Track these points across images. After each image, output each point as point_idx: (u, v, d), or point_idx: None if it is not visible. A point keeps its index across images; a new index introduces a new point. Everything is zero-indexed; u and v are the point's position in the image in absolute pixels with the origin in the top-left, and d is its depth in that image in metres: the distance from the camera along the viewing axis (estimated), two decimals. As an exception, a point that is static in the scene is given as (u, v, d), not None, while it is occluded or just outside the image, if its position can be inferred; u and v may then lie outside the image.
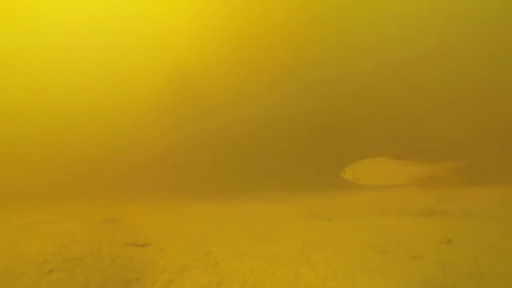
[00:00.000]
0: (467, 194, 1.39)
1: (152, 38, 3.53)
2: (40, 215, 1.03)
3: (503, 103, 2.69)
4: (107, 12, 3.52)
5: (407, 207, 1.16)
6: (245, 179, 2.16)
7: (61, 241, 0.72)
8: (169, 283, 0.61)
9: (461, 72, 2.94)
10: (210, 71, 3.48)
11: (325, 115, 3.14)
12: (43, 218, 0.99)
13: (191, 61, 3.43)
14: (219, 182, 2.44)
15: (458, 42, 3.06)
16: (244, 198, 1.68)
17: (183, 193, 1.88)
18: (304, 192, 1.86)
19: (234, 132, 3.33)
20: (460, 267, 0.61)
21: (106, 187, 2.01)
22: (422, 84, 3.01)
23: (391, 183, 1.49)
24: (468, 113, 2.74)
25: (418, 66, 3.11)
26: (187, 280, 0.62)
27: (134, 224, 1.06)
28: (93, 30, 3.54)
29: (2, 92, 3.09)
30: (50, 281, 0.58)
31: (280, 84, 3.46)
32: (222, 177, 2.60)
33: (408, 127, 2.88)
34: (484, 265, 0.61)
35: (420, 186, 1.52)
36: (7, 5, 3.44)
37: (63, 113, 3.15)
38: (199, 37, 3.48)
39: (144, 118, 3.31)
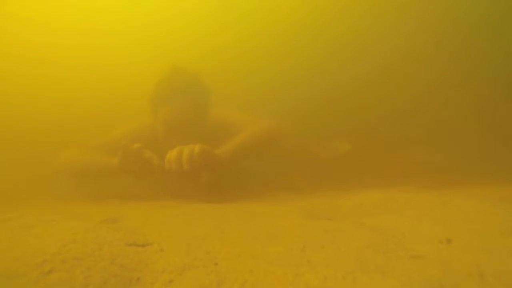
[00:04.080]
0: (467, 194, 1.39)
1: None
2: (40, 215, 1.03)
3: (505, 103, 2.70)
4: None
5: (407, 207, 1.16)
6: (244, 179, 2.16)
7: (61, 241, 0.72)
8: (169, 283, 0.61)
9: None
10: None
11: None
12: (43, 218, 0.99)
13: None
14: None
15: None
16: (244, 198, 1.68)
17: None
18: (304, 192, 1.86)
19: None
20: (460, 267, 0.61)
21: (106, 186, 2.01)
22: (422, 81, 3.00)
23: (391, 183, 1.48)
24: (467, 113, 2.74)
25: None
26: (187, 280, 0.61)
27: (134, 224, 1.06)
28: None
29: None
30: (50, 281, 0.58)
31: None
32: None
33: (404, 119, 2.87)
34: (484, 265, 0.60)
35: (421, 186, 1.52)
36: None
37: (63, 113, 3.14)
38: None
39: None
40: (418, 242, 0.75)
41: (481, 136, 2.64)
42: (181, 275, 0.63)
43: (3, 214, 0.97)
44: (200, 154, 1.56)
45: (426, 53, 3.07)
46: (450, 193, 1.35)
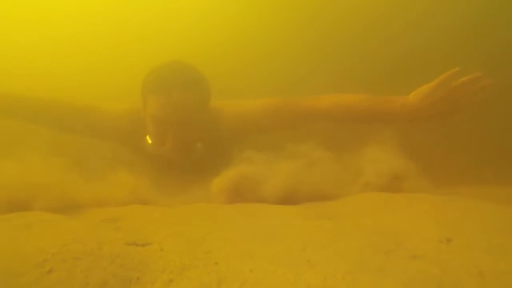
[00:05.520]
0: (467, 194, 1.39)
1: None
2: (40, 215, 1.03)
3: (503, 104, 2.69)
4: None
5: (407, 207, 1.16)
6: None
7: (61, 241, 0.72)
8: (169, 282, 0.61)
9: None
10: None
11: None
12: (43, 218, 0.99)
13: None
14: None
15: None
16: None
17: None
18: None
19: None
20: (460, 266, 0.61)
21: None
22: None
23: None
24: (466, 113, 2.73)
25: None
26: (187, 279, 0.62)
27: (134, 224, 1.06)
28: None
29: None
30: (50, 281, 0.58)
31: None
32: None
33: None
34: (484, 264, 0.60)
35: (420, 186, 1.52)
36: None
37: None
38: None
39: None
40: (418, 242, 0.75)
41: (481, 136, 2.64)
42: (181, 275, 0.63)
43: (3, 213, 0.97)
44: None
45: (422, 51, 3.06)
46: (450, 193, 1.35)
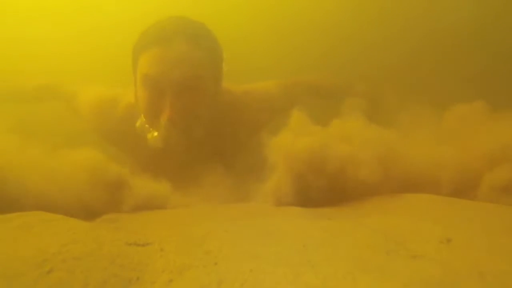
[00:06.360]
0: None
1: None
2: (40, 215, 1.03)
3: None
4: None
5: (407, 207, 1.16)
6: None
7: (61, 241, 0.72)
8: (169, 282, 0.61)
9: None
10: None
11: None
12: (43, 218, 0.99)
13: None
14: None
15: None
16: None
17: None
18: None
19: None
20: (460, 266, 0.61)
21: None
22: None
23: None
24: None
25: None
26: (187, 279, 0.62)
27: (135, 224, 1.06)
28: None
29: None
30: (50, 281, 0.58)
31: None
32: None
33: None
34: (484, 264, 0.61)
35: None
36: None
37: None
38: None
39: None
40: (418, 242, 0.75)
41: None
42: (181, 275, 0.63)
43: (3, 213, 0.97)
44: None
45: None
46: (451, 193, 1.34)
